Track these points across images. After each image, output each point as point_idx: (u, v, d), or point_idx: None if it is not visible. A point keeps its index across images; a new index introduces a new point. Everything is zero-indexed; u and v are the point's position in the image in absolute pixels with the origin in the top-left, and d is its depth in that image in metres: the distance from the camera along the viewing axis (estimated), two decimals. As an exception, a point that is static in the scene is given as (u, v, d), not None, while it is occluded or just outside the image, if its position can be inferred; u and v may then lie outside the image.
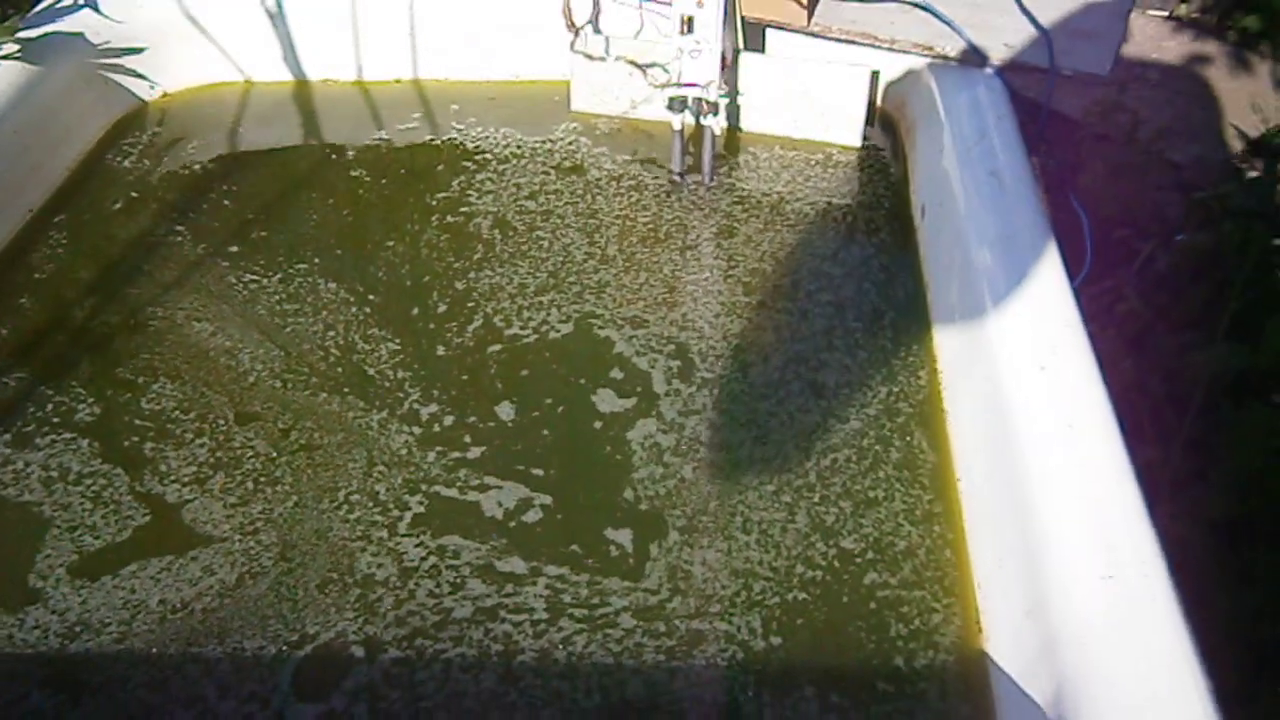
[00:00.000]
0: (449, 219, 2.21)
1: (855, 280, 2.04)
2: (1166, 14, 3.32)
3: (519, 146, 2.40)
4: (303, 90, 2.63)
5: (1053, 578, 1.27)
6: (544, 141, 2.41)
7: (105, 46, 2.52)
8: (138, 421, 1.77)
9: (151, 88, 2.62)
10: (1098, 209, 2.60)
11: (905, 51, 2.13)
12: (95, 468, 1.70)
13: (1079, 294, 1.64)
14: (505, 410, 1.78)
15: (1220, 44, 3.31)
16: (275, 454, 1.72)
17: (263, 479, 1.68)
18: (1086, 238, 2.20)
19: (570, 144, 2.40)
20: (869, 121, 2.30)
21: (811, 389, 1.83)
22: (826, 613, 1.49)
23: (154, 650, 1.47)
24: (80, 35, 2.49)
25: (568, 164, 2.35)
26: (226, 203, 2.27)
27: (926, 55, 2.12)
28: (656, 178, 2.29)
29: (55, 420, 1.78)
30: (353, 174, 2.34)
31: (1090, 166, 2.84)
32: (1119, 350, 2.42)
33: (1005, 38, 2.06)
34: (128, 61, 2.57)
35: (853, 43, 2.18)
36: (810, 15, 2.14)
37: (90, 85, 2.50)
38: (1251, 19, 3.19)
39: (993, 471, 1.52)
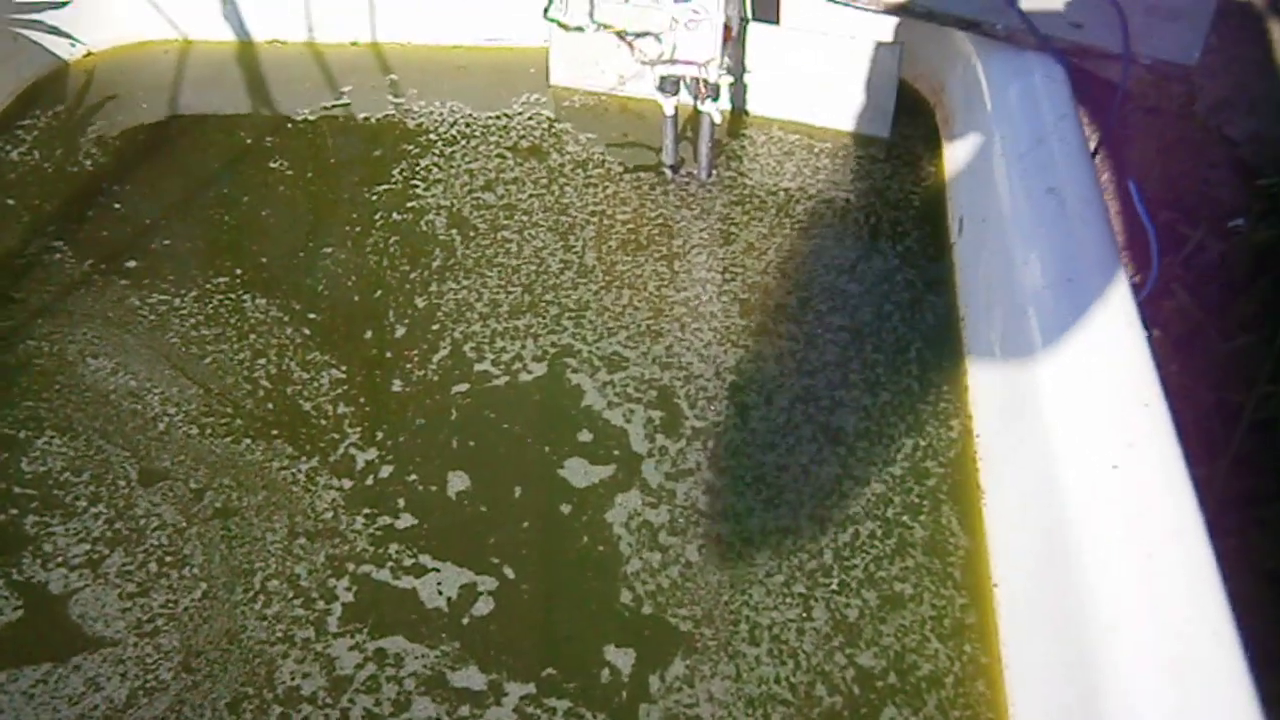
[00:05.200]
0: (395, 216, 1.89)
1: (876, 300, 1.73)
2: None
3: (471, 124, 2.07)
4: (246, 53, 2.29)
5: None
6: (502, 118, 2.08)
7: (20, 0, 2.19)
8: (17, 488, 1.47)
9: (73, 46, 2.29)
10: (1142, 191, 2.29)
11: (946, 25, 1.79)
12: (-39, 547, 1.42)
13: (1154, 344, 1.35)
14: (457, 481, 1.49)
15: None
16: (185, 523, 1.44)
17: (168, 558, 1.40)
18: (1153, 245, 1.88)
19: (536, 122, 2.07)
20: (899, 106, 1.96)
21: (825, 434, 1.55)
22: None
23: (22, 790, 1.22)
24: (-12, -14, 2.16)
25: (526, 144, 2.02)
26: (118, 205, 1.92)
27: (973, 32, 1.77)
28: (643, 168, 1.97)
29: (-86, 484, 1.50)
30: (272, 165, 2.01)
31: (1139, 143, 2.52)
32: (1164, 352, 2.14)
33: (1070, 14, 1.71)
34: (47, 16, 2.23)
35: (884, 13, 1.84)
36: (832, -20, 1.80)
37: (-2, 44, 2.17)
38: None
39: (1040, 588, 1.24)
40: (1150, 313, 2.19)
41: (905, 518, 1.45)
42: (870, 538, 1.43)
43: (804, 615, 1.35)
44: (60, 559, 1.40)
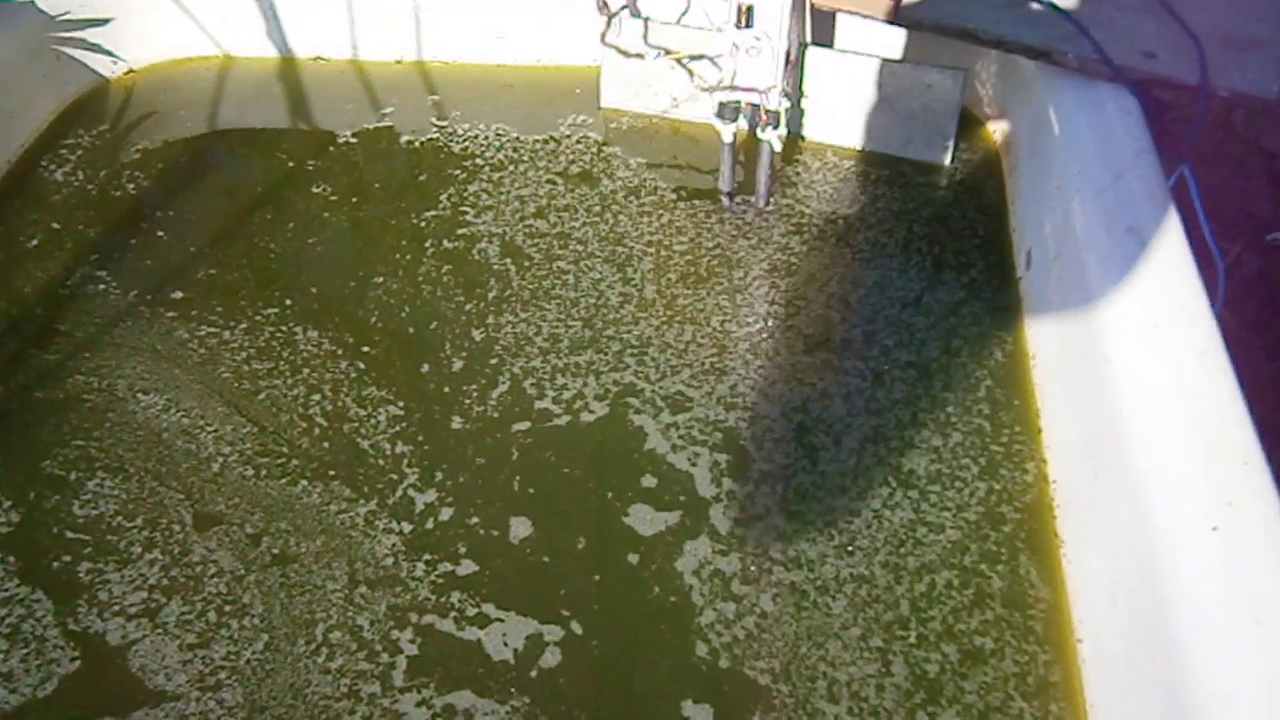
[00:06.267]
0: (446, 244, 1.85)
1: (943, 335, 1.69)
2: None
3: (518, 147, 2.03)
4: (288, 70, 2.25)
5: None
6: (549, 142, 2.04)
7: (61, 18, 2.15)
8: (69, 533, 1.44)
9: (114, 64, 2.26)
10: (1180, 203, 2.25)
11: (1014, 54, 1.74)
12: (12, 593, 1.38)
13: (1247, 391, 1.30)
14: (519, 526, 1.45)
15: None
16: (243, 571, 1.41)
17: (227, 608, 1.37)
18: (1220, 277, 1.83)
19: (585, 146, 2.03)
20: (959, 133, 1.92)
21: (897, 478, 1.50)
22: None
23: None
24: (30, 4, 2.12)
25: (576, 170, 1.98)
26: (161, 233, 1.89)
27: (1042, 61, 1.72)
28: (698, 195, 1.92)
29: (-39, 530, 1.46)
30: (315, 190, 1.97)
31: (1176, 155, 2.48)
32: None
33: (1143, 43, 1.67)
34: (89, 35, 2.20)
35: (946, 37, 1.79)
36: (896, 6, 1.75)
37: (38, 61, 2.13)
38: None
39: (1131, 649, 1.20)
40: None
41: (983, 566, 1.41)
42: (947, 588, 1.39)
43: (883, 670, 1.31)
44: (117, 608, 1.37)
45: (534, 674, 1.31)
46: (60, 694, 1.29)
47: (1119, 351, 1.38)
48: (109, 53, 2.24)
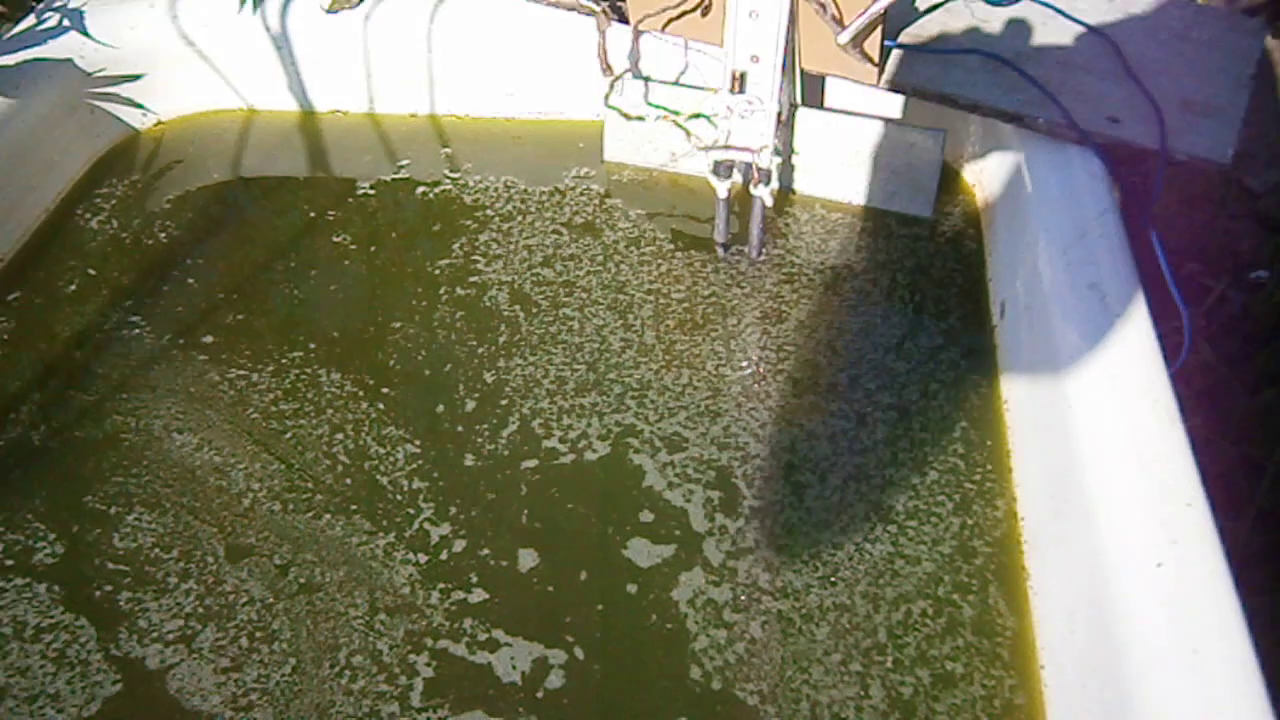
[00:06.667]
0: (459, 291, 1.98)
1: (922, 379, 1.81)
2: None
3: (525, 199, 2.16)
4: (308, 123, 2.39)
5: None
6: (554, 194, 2.17)
7: (96, 74, 2.28)
8: (110, 564, 1.56)
9: (144, 116, 2.39)
10: (1164, 241, 2.38)
11: (989, 117, 1.87)
12: (58, 619, 1.49)
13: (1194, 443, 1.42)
14: (527, 557, 1.57)
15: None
16: (272, 599, 1.53)
17: (258, 634, 1.49)
18: (1185, 326, 1.95)
19: (588, 198, 2.16)
20: (940, 188, 2.04)
21: (877, 513, 1.62)
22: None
23: None
24: (68, 61, 2.25)
25: (580, 221, 2.11)
26: (191, 280, 2.01)
27: (1015, 125, 1.85)
28: (694, 245, 2.05)
29: (8, 563, 1.57)
30: (336, 239, 2.10)
31: (1163, 196, 2.60)
32: (1187, 406, 2.22)
33: (1108, 108, 1.79)
34: (121, 89, 2.33)
35: (927, 101, 1.92)
36: (881, 71, 1.88)
37: (74, 114, 2.27)
38: None
39: (1086, 676, 1.31)
40: (1170, 366, 2.26)
41: (955, 596, 1.52)
42: (922, 616, 1.50)
43: (862, 693, 1.42)
44: (155, 634, 1.48)
45: (540, 695, 1.42)
46: (103, 715, 1.40)
47: (1080, 399, 1.50)
48: (140, 105, 2.37)
